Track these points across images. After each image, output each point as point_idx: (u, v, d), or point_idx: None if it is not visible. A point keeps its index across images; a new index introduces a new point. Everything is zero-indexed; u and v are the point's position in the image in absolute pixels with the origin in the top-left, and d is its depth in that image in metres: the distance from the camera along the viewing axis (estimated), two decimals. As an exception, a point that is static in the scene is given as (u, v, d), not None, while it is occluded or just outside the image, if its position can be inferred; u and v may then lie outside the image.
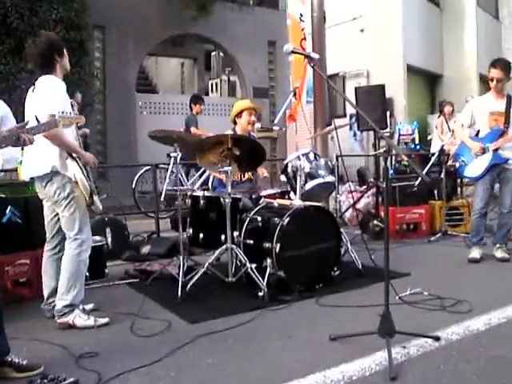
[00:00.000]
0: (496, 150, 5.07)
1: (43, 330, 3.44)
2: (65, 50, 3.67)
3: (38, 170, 3.48)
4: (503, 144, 5.07)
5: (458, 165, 5.42)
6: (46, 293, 3.69)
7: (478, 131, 5.28)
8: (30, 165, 3.56)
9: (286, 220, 4.16)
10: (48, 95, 3.41)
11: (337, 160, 5.78)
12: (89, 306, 3.82)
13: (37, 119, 2.88)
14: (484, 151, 5.10)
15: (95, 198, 3.64)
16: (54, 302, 3.58)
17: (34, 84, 3.58)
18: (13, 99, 8.52)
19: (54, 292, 3.61)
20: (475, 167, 5.18)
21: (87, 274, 4.14)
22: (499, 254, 5.22)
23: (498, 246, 5.28)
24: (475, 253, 5.21)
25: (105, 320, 3.62)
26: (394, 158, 8.49)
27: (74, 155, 3.53)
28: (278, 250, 4.09)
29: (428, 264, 5.24)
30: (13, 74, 8.94)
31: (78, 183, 3.51)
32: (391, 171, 8.19)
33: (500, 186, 5.28)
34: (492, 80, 5.11)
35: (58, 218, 3.62)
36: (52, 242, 3.72)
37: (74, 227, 3.53)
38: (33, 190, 4.03)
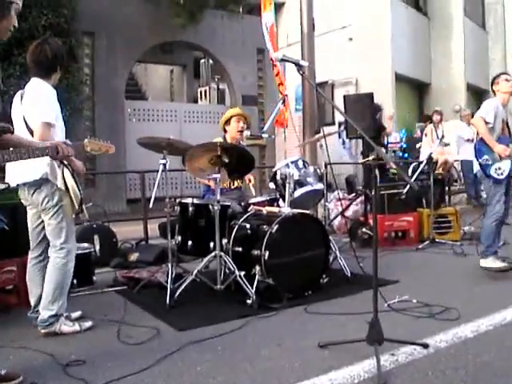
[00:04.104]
0: None
1: (30, 338, 3.40)
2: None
3: (27, 177, 3.40)
4: None
5: (482, 163, 5.02)
6: (32, 301, 3.64)
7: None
8: (18, 171, 3.44)
9: (275, 227, 4.16)
10: (40, 103, 3.37)
11: (325, 168, 5.79)
12: (76, 314, 3.80)
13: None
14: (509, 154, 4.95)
15: (83, 206, 3.62)
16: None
17: (22, 88, 3.53)
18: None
19: (40, 300, 3.56)
20: (499, 169, 4.94)
21: (75, 281, 4.13)
22: (500, 263, 4.96)
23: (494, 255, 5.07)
24: (498, 262, 4.94)
25: (89, 323, 3.64)
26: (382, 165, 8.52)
27: (65, 162, 3.47)
28: (266, 257, 4.09)
29: (416, 271, 5.25)
30: (1, 79, 8.88)
31: (70, 190, 3.45)
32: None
33: (507, 192, 5.05)
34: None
35: (43, 226, 3.56)
36: (37, 249, 3.65)
37: (60, 236, 3.48)
38: (19, 197, 3.99)
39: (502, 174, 4.94)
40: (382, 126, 10.06)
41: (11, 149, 2.72)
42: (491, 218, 4.98)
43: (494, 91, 5.21)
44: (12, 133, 2.83)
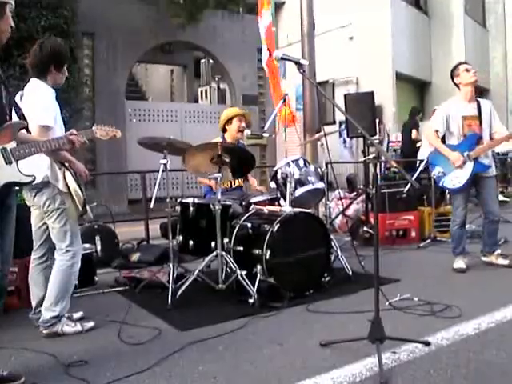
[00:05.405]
0: (476, 157, 4.87)
1: (32, 339, 3.41)
2: (65, 66, 3.64)
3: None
4: (485, 152, 4.92)
5: (434, 175, 5.13)
6: (34, 302, 3.65)
7: (443, 137, 5.05)
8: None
9: (276, 227, 4.16)
10: (37, 105, 3.36)
11: (326, 167, 5.79)
12: (77, 315, 3.80)
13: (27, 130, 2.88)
14: (465, 161, 4.88)
15: (87, 207, 3.62)
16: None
17: (22, 89, 3.53)
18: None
19: (42, 301, 3.56)
20: (456, 178, 4.92)
21: (76, 282, 4.12)
22: (502, 261, 5.12)
23: (496, 253, 5.18)
24: (461, 263, 5.07)
25: (91, 324, 3.64)
26: (383, 164, 8.52)
27: (66, 164, 3.48)
28: (268, 256, 4.09)
29: (417, 270, 5.25)
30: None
31: (72, 193, 3.45)
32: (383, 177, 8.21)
33: (481, 194, 5.06)
34: (475, 83, 4.94)
35: (47, 227, 3.56)
36: (39, 250, 3.66)
37: (65, 239, 3.49)
38: (21, 198, 4.00)
39: (459, 182, 4.92)
40: (417, 124, 10.85)
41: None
42: (455, 224, 5.15)
43: (457, 86, 5.06)
44: (27, 129, 2.85)
